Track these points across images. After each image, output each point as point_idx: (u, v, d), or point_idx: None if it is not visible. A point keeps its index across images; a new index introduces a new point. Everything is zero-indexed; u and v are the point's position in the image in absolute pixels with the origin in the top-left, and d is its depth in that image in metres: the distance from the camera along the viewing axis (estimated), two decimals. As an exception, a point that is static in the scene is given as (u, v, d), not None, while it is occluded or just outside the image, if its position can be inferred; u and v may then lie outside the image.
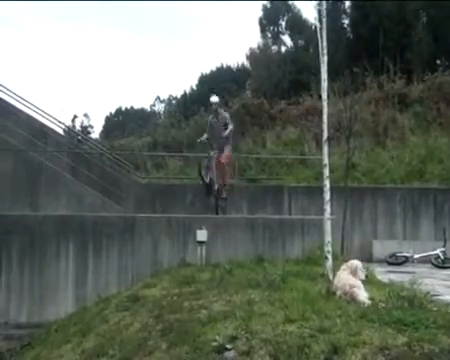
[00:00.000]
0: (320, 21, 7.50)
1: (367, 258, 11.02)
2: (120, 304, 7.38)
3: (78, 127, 27.54)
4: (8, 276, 8.89)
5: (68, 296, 8.82)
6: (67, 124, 16.39)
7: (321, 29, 7.35)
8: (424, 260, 11.39)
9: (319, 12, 7.71)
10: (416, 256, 11.59)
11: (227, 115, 11.21)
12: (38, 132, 12.06)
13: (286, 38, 27.16)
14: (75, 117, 30.07)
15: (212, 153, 10.78)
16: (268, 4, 26.95)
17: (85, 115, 30.83)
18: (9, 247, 8.96)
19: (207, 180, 10.63)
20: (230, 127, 10.87)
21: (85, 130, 28.79)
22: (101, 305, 7.86)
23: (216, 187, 10.69)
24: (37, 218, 9.32)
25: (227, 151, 10.93)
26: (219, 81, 25.29)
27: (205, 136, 11.15)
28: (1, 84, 11.79)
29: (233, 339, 5.01)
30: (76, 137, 16.17)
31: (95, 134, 32.73)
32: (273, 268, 7.46)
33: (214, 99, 11.18)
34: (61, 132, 14.19)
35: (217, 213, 10.73)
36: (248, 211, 12.26)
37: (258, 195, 12.83)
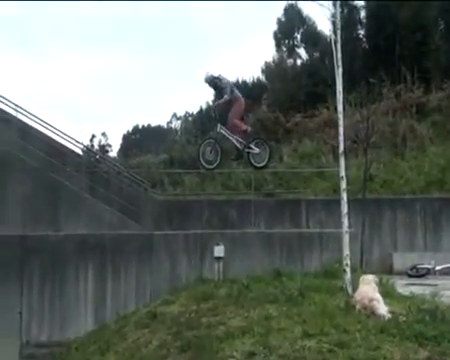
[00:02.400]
0: (335, 33, 7.50)
1: (387, 271, 10.85)
2: (139, 321, 7.40)
3: (96, 146, 27.93)
4: (29, 295, 9.02)
5: (88, 314, 8.89)
6: (85, 144, 16.64)
7: (336, 41, 7.36)
8: (446, 272, 11.16)
9: (334, 24, 7.73)
10: (438, 268, 11.35)
11: (226, 83, 10.26)
12: (57, 153, 12.26)
13: (301, 51, 27.22)
14: (93, 136, 30.57)
15: (218, 127, 10.31)
16: (282, 17, 27.10)
17: (103, 134, 31.29)
18: (31, 267, 9.11)
19: (210, 158, 10.14)
20: (225, 97, 10.08)
21: (103, 149, 29.19)
22: (120, 323, 7.89)
23: (239, 145, 10.11)
24: (57, 238, 9.48)
25: (230, 114, 10.23)
26: (235, 96, 25.43)
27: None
28: (21, 106, 12.07)
29: (251, 355, 4.97)
30: (94, 156, 16.41)
31: (113, 153, 33.16)
32: (291, 282, 7.41)
33: (206, 76, 10.33)
34: (80, 152, 14.40)
35: (247, 157, 10.21)
36: (265, 225, 12.22)
37: (275, 209, 12.79)
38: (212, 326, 6.09)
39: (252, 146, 10.05)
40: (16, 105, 12.00)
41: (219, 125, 10.24)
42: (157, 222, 12.03)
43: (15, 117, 12.00)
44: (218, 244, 9.04)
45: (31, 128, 12.29)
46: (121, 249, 9.20)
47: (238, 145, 10.08)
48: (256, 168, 10.44)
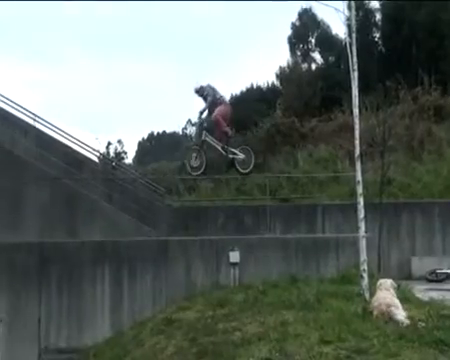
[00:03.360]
0: (350, 36, 7.49)
1: (406, 276, 10.70)
2: (155, 328, 7.43)
3: (112, 154, 28.13)
4: (48, 301, 9.12)
5: (104, 320, 8.94)
6: (101, 151, 16.77)
7: (351, 44, 7.34)
8: (467, 276, 10.94)
9: (349, 27, 7.71)
10: (458, 272, 11.15)
11: (208, 89, 10.33)
12: (74, 161, 12.41)
13: (316, 55, 27.11)
14: (109, 144, 30.79)
15: (203, 135, 10.47)
16: (297, 22, 27.04)
17: (119, 141, 31.49)
18: (49, 273, 9.21)
19: (195, 164, 10.32)
20: (208, 99, 10.22)
21: (119, 156, 29.38)
22: (136, 329, 7.93)
23: (224, 152, 10.30)
24: (74, 245, 9.58)
25: (214, 113, 10.33)
26: (249, 101, 25.37)
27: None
28: (38, 115, 12.25)
29: (267, 361, 4.95)
30: (110, 164, 16.55)
31: (128, 160, 33.37)
32: (307, 288, 7.36)
33: (195, 87, 10.47)
34: (96, 160, 14.55)
35: (232, 165, 10.37)
36: (281, 231, 12.16)
37: (291, 215, 12.72)
38: (228, 332, 6.08)
39: (237, 152, 10.23)
40: (34, 114, 12.20)
41: (204, 132, 10.47)
42: (172, 228, 12.07)
43: (33, 126, 12.19)
44: (233, 250, 9.02)
45: (48, 137, 12.46)
46: (137, 255, 9.24)
47: (223, 151, 10.25)
48: (241, 174, 10.64)
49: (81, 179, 12.16)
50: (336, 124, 19.71)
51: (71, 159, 12.37)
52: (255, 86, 27.15)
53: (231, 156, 10.23)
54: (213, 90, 10.34)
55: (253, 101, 24.97)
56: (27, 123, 12.17)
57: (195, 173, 10.62)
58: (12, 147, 11.26)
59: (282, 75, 26.78)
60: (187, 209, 13.56)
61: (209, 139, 10.43)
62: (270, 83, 27.37)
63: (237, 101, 26.44)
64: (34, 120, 12.19)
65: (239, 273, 8.93)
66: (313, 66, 26.85)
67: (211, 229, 11.90)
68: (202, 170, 10.50)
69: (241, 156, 10.24)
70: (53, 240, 9.84)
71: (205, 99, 10.37)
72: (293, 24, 27.05)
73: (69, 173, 11.89)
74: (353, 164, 8.38)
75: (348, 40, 7.53)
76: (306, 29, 26.86)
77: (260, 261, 9.03)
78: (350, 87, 7.36)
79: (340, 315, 5.82)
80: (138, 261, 9.20)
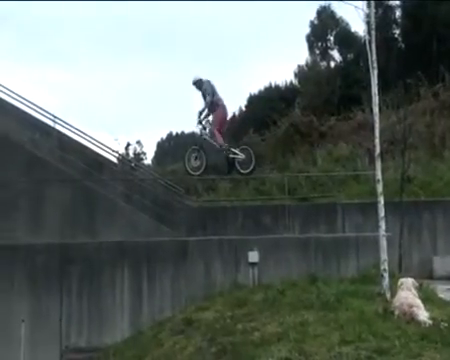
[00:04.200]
0: (369, 33, 7.41)
1: (427, 275, 10.51)
2: (174, 328, 7.45)
3: (131, 154, 28.32)
4: (68, 301, 9.21)
5: (124, 320, 9.00)
6: (121, 152, 16.91)
7: (370, 42, 7.26)
8: (491, 276, 10.70)
9: (368, 24, 7.64)
10: (482, 272, 10.91)
11: (207, 86, 10.21)
12: (94, 162, 12.52)
13: (335, 53, 26.92)
14: (128, 145, 30.97)
15: (202, 134, 10.46)
16: (315, 20, 26.91)
17: (138, 142, 31.62)
18: (69, 274, 9.31)
19: (195, 165, 10.31)
20: (207, 100, 10.13)
21: (138, 157, 29.56)
22: (156, 329, 7.96)
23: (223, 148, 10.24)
24: (94, 245, 9.65)
25: (213, 117, 10.38)
26: (268, 100, 25.32)
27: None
28: (59, 118, 12.42)
29: (287, 361, 4.91)
30: (129, 165, 16.67)
31: (147, 160, 33.52)
32: (327, 288, 7.29)
33: (193, 79, 10.34)
34: (115, 160, 14.68)
35: (233, 165, 10.28)
36: (300, 230, 12.07)
37: (310, 214, 12.62)
38: (247, 332, 6.06)
39: (237, 152, 10.11)
40: (54, 116, 12.36)
41: (203, 132, 10.40)
42: (191, 228, 12.08)
43: (53, 128, 12.34)
44: (252, 249, 8.99)
45: (68, 138, 12.61)
46: (156, 255, 9.28)
47: (223, 151, 10.17)
48: (242, 174, 10.53)
49: (101, 180, 12.28)
50: (355, 122, 19.53)
51: (91, 160, 12.49)
52: (273, 85, 27.07)
53: (231, 156, 10.13)
54: (212, 89, 10.20)
55: (272, 100, 24.92)
56: (48, 125, 12.33)
57: (195, 173, 10.59)
58: (33, 149, 11.42)
59: (301, 74, 26.68)
60: (206, 209, 13.56)
61: (208, 139, 10.39)
62: (288, 82, 27.29)
63: (256, 100, 26.45)
64: (54, 122, 12.35)
65: (258, 273, 8.89)
66: (332, 64, 26.69)
67: (230, 229, 11.88)
68: (202, 170, 10.50)
69: (241, 156, 10.13)
70: (74, 241, 9.96)
71: (204, 95, 10.23)
72: (311, 22, 26.91)
73: (89, 174, 12.01)
74: (373, 162, 8.29)
75: (367, 37, 7.46)
76: (325, 27, 26.69)
77: (279, 261, 8.98)
78: (369, 85, 7.29)
79: (361, 315, 5.75)
80: (157, 261, 9.23)
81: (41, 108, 12.23)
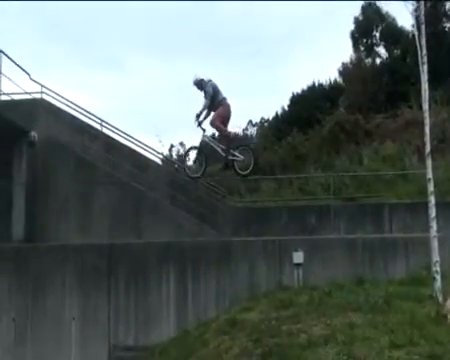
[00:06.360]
0: (418, 28, 7.18)
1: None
2: (219, 328, 7.45)
3: (175, 156, 28.69)
4: (116, 300, 9.44)
5: (170, 320, 9.12)
6: (165, 154, 17.14)
7: (420, 36, 7.03)
8: None
9: (417, 18, 7.40)
10: None
11: (208, 86, 9.90)
12: (139, 163, 12.76)
13: (381, 49, 26.24)
14: (172, 146, 31.41)
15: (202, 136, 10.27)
16: (360, 16, 26.34)
17: (181, 144, 32.02)
18: (117, 274, 9.54)
19: (195, 166, 10.10)
20: (205, 100, 9.85)
21: (181, 158, 29.94)
22: (201, 329, 7.99)
23: (223, 153, 9.98)
24: (141, 245, 9.85)
25: (214, 113, 10.01)
26: (311, 100, 24.98)
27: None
28: (105, 121, 12.74)
29: (335, 365, 4.81)
30: (173, 166, 16.86)
31: (190, 161, 33.88)
32: (375, 290, 7.09)
33: (194, 79, 10.07)
34: (159, 162, 14.89)
35: (231, 165, 9.98)
36: (346, 231, 11.82)
37: (356, 214, 12.33)
38: (293, 334, 5.98)
39: (236, 154, 9.83)
40: (101, 120, 12.68)
41: (203, 133, 10.21)
42: (235, 229, 12.09)
43: (101, 131, 12.67)
44: (297, 250, 8.89)
45: (115, 141, 12.91)
46: (200, 256, 9.36)
47: (222, 153, 9.93)
48: (241, 175, 10.20)
49: (146, 181, 12.49)
50: (403, 120, 18.94)
51: (136, 162, 12.73)
52: (317, 84, 26.68)
53: (231, 158, 9.90)
54: (215, 89, 9.93)
55: (315, 99, 24.58)
56: (95, 128, 12.67)
57: (195, 175, 10.54)
58: (83, 152, 11.77)
59: (345, 71, 26.16)
60: (249, 210, 13.52)
61: (208, 140, 10.30)
62: (332, 80, 26.82)
63: (299, 100, 26.17)
64: (101, 125, 12.68)
65: (303, 274, 8.78)
66: (377, 61, 26.01)
67: (274, 230, 11.79)
68: (202, 172, 10.40)
69: (240, 158, 9.85)
70: (121, 241, 10.19)
71: (205, 96, 9.96)
72: (356, 19, 26.33)
73: (135, 176, 12.24)
74: (422, 161, 8.03)
75: (416, 32, 7.21)
76: (370, 23, 26.06)
77: (325, 262, 8.83)
78: (418, 81, 7.05)
79: (411, 318, 5.55)
80: (202, 261, 9.30)
81: (89, 112, 12.59)
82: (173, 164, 18.47)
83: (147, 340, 8.99)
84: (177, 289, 9.22)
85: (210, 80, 10.05)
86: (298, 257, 8.82)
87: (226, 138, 10.03)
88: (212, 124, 9.98)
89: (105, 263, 9.63)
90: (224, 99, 10.04)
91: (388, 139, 18.41)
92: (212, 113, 9.95)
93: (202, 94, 10.03)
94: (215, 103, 9.90)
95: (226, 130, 10.02)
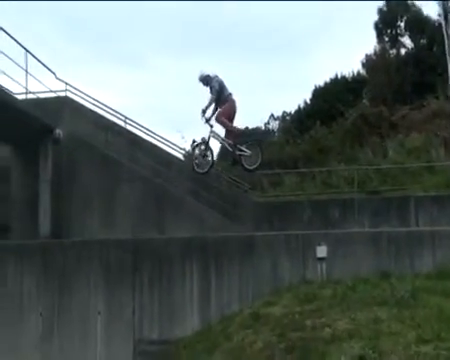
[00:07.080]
0: (445, 17, 6.99)
1: None
2: (243, 322, 7.47)
3: (197, 151, 28.76)
4: (140, 295, 9.55)
5: (194, 314, 9.17)
6: (187, 149, 17.16)
7: (446, 25, 6.85)
8: None
9: (443, 7, 7.20)
10: None
11: (214, 82, 9.94)
12: (162, 159, 12.83)
13: (405, 39, 25.74)
14: (194, 142, 31.51)
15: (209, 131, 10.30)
16: (384, 7, 25.88)
17: (202, 140, 32.10)
18: (141, 269, 9.65)
19: (202, 162, 10.31)
20: (211, 96, 9.92)
21: (203, 153, 30.01)
22: (224, 323, 8.02)
23: (230, 148, 10.06)
24: (164, 241, 9.93)
25: (217, 112, 10.12)
26: (334, 92, 24.67)
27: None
28: (129, 118, 12.84)
29: (360, 359, 4.75)
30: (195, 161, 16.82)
31: (198, 157, 33.79)
32: (401, 284, 6.97)
33: (199, 75, 10.08)
34: (182, 157, 14.94)
35: (239, 160, 10.09)
36: (370, 225, 11.64)
37: (380, 207, 12.13)
38: (317, 328, 5.95)
39: (243, 149, 9.83)
40: (125, 117, 12.79)
41: (210, 128, 10.21)
42: (258, 223, 12.04)
43: (124, 128, 12.79)
44: (320, 244, 8.82)
45: (138, 137, 13.00)
46: (223, 251, 9.37)
47: (229, 148, 9.94)
48: (248, 171, 10.24)
49: (169, 177, 12.55)
50: (429, 111, 18.50)
51: (159, 158, 12.80)
52: (340, 76, 26.32)
53: (238, 153, 9.94)
54: (221, 85, 9.95)
55: (338, 92, 24.26)
56: (119, 125, 12.79)
57: (202, 170, 10.57)
58: (106, 149, 11.91)
59: (368, 63, 25.74)
60: (272, 204, 13.45)
61: (215, 136, 10.30)
62: (355, 72, 26.42)
63: (321, 92, 25.89)
64: (125, 122, 12.79)
65: (327, 268, 8.70)
66: (402, 51, 25.50)
67: (297, 224, 11.70)
68: (209, 167, 10.51)
69: (248, 152, 9.91)
70: (145, 237, 10.28)
71: (211, 91, 10.00)
72: (380, 9, 25.86)
73: (158, 172, 12.32)
74: (449, 153, 7.81)
75: (443, 21, 7.02)
76: (394, 13, 25.56)
77: (348, 256, 8.72)
78: (445, 71, 6.87)
79: (439, 313, 5.45)
80: (225, 256, 9.32)
81: (113, 109, 12.71)
82: (195, 159, 18.47)
83: (171, 334, 9.06)
84: (200, 284, 9.26)
85: (216, 76, 10.11)
86: (321, 251, 8.75)
87: (231, 134, 10.09)
88: (217, 119, 10.08)
89: (130, 258, 9.74)
90: (230, 95, 10.11)
91: (414, 131, 18.04)
92: (218, 112, 10.05)
93: (208, 90, 10.10)
94: (221, 99, 9.99)
95: (231, 126, 10.10)
